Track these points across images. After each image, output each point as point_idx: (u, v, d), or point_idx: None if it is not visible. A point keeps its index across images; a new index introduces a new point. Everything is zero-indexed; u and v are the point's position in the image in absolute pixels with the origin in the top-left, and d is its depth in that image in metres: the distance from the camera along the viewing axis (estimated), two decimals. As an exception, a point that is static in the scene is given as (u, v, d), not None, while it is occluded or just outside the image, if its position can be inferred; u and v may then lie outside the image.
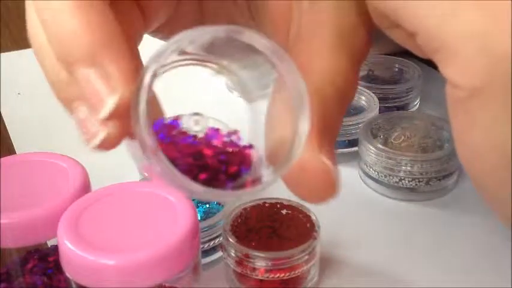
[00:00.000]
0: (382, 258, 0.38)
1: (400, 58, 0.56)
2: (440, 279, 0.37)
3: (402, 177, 0.43)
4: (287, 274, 0.34)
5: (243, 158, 0.23)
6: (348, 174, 0.47)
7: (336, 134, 0.24)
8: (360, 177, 0.46)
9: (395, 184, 0.43)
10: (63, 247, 0.26)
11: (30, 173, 0.32)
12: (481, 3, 0.19)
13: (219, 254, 0.37)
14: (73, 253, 0.26)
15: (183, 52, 0.22)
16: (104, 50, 0.20)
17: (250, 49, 0.21)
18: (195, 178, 0.21)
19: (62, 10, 0.21)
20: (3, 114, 0.56)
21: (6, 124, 0.54)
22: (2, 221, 0.28)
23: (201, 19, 0.29)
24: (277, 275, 0.34)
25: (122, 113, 0.20)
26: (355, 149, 0.46)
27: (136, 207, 0.29)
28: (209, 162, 0.22)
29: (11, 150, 0.50)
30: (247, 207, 0.37)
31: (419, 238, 0.40)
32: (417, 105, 0.55)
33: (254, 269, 0.34)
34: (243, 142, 0.23)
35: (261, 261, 0.33)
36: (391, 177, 0.43)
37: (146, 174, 0.22)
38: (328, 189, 0.23)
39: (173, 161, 0.21)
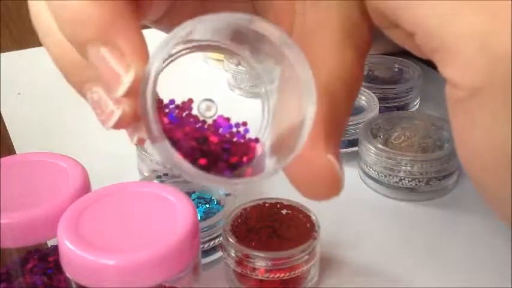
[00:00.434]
0: (382, 258, 0.38)
1: (400, 58, 0.56)
2: (440, 279, 0.37)
3: (402, 177, 0.43)
4: (287, 274, 0.34)
5: (247, 150, 0.23)
6: (348, 174, 0.46)
7: (341, 132, 0.24)
8: (360, 177, 0.46)
9: (395, 184, 0.43)
10: (63, 247, 0.26)
11: (30, 173, 0.32)
12: (480, 3, 0.19)
13: (219, 254, 0.37)
14: (73, 253, 0.26)
15: (192, 40, 0.22)
16: (116, 28, 0.20)
17: (259, 40, 0.21)
18: (194, 162, 0.21)
19: None
20: (3, 114, 0.56)
21: (6, 124, 0.54)
22: (2, 221, 0.28)
23: (201, 12, 0.29)
24: (277, 275, 0.34)
25: (136, 90, 0.20)
26: (355, 149, 0.46)
27: (136, 207, 0.29)
28: (212, 148, 0.22)
29: (11, 150, 0.50)
30: (247, 207, 0.37)
31: (419, 238, 0.40)
32: (417, 105, 0.55)
33: (254, 269, 0.34)
34: (250, 135, 0.23)
35: (261, 261, 0.33)
36: (391, 177, 0.43)
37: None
38: (331, 187, 0.23)
39: (177, 142, 0.21)
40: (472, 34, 0.19)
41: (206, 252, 0.37)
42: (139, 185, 0.31)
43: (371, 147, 0.43)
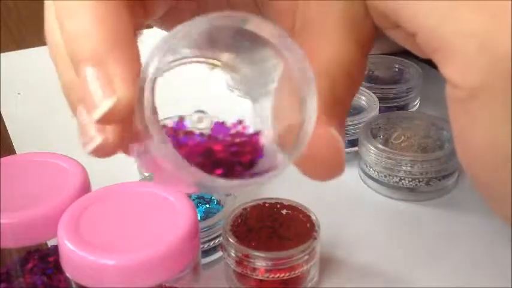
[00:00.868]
0: (382, 258, 0.38)
1: (400, 58, 0.56)
2: (440, 279, 0.37)
3: (402, 177, 0.43)
4: (287, 274, 0.34)
5: (254, 146, 0.23)
6: (348, 174, 0.47)
7: (345, 114, 0.24)
8: (360, 177, 0.46)
9: (395, 184, 0.43)
10: (63, 247, 0.26)
11: (30, 173, 0.32)
12: (480, 3, 0.19)
13: (219, 254, 0.37)
14: (73, 253, 0.26)
15: (182, 51, 0.22)
16: (111, 51, 0.20)
17: (257, 41, 0.21)
18: (210, 173, 0.21)
19: (78, 7, 0.21)
20: (3, 114, 0.56)
21: (6, 124, 0.54)
22: (2, 221, 0.28)
23: (203, 9, 0.29)
24: (277, 275, 0.34)
25: (121, 118, 0.20)
26: (355, 149, 0.46)
27: (136, 207, 0.29)
28: (221, 157, 0.22)
29: (11, 150, 0.50)
30: (247, 207, 0.37)
31: (419, 238, 0.40)
32: (417, 105, 0.55)
33: (254, 269, 0.34)
34: (250, 130, 0.23)
35: (261, 261, 0.33)
36: (391, 177, 0.43)
37: (157, 179, 0.22)
38: (335, 162, 0.23)
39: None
40: (472, 34, 0.19)
41: (206, 252, 0.37)
42: (139, 185, 0.31)
43: (371, 147, 0.43)
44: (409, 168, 0.42)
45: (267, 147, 0.23)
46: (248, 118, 0.24)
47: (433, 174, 0.42)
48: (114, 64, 0.20)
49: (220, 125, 0.23)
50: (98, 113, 0.20)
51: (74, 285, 0.27)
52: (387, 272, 0.37)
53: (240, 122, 0.23)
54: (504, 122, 0.20)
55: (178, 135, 0.23)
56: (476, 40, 0.19)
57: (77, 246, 0.26)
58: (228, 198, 0.38)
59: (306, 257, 0.34)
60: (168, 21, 0.28)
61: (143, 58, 0.21)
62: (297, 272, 0.34)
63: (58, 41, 0.22)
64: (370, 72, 0.56)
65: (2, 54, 0.66)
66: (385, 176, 0.43)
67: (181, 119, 0.23)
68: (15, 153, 0.49)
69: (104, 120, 0.20)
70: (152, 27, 0.29)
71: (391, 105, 0.52)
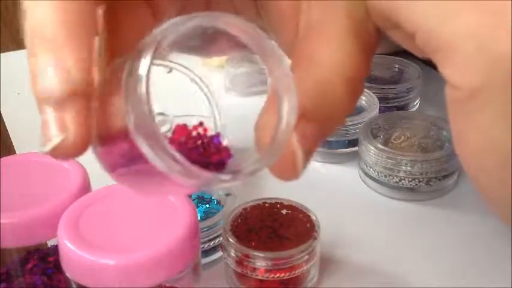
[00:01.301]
0: (382, 258, 0.38)
1: (400, 58, 0.56)
2: (440, 279, 0.37)
3: (402, 177, 0.43)
4: (287, 274, 0.34)
5: (217, 147, 0.23)
6: (348, 174, 0.47)
7: (334, 129, 0.24)
8: (360, 177, 0.46)
9: (395, 184, 0.43)
10: (63, 247, 0.26)
11: (30, 173, 0.32)
12: (480, 4, 0.19)
13: (219, 254, 0.37)
14: (73, 253, 0.26)
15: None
16: (65, 38, 0.20)
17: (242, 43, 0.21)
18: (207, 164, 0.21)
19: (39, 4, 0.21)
20: (3, 114, 0.56)
21: (6, 124, 0.54)
22: (2, 221, 0.28)
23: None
24: (277, 275, 0.34)
25: (81, 109, 0.20)
26: (355, 149, 0.46)
27: (136, 207, 0.29)
28: (191, 158, 0.22)
29: (11, 150, 0.50)
30: (247, 207, 0.37)
31: (419, 238, 0.40)
32: (417, 105, 0.55)
33: (254, 269, 0.34)
34: (211, 132, 0.23)
35: (261, 261, 0.33)
36: (391, 177, 0.43)
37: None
38: (289, 172, 0.23)
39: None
40: (472, 34, 0.19)
41: (206, 252, 0.37)
42: (139, 185, 0.31)
43: (371, 147, 0.43)
44: (409, 168, 0.42)
45: (239, 148, 0.23)
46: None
47: (433, 174, 0.42)
48: (68, 51, 0.20)
49: (181, 128, 0.23)
50: (52, 101, 0.20)
51: (74, 285, 0.27)
52: (387, 272, 0.37)
53: (200, 123, 0.23)
54: (504, 122, 0.20)
55: None
56: (475, 40, 0.19)
57: (77, 246, 0.26)
58: (228, 198, 0.38)
59: (306, 257, 0.34)
60: None
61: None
62: (297, 272, 0.34)
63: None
64: (370, 72, 0.56)
65: (2, 54, 0.66)
66: (385, 176, 0.43)
67: None
68: (15, 153, 0.49)
69: (64, 108, 0.20)
70: None
71: (391, 105, 0.52)
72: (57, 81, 0.20)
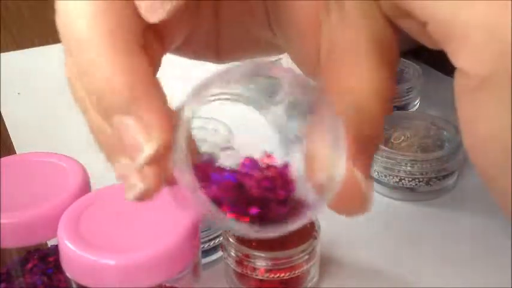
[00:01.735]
0: (382, 258, 0.38)
1: (400, 58, 0.56)
2: (441, 279, 0.37)
3: (402, 177, 0.43)
4: (287, 274, 0.34)
5: (285, 179, 0.23)
6: (348, 174, 0.47)
7: (373, 153, 0.24)
8: (360, 177, 0.46)
9: (395, 184, 0.43)
10: (64, 247, 0.26)
11: (30, 173, 0.32)
12: None
13: (219, 254, 0.37)
14: (73, 253, 0.26)
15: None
16: (141, 99, 0.20)
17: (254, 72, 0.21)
18: (245, 213, 0.21)
19: (98, 59, 0.21)
20: (3, 114, 0.56)
21: (6, 124, 0.54)
22: (2, 221, 0.28)
23: (217, 34, 0.29)
24: (277, 275, 0.34)
25: (159, 161, 0.20)
26: (355, 149, 0.46)
27: (136, 207, 0.29)
28: (254, 193, 0.22)
29: (11, 150, 0.50)
30: (247, 207, 0.37)
31: (419, 238, 0.40)
32: (417, 105, 0.55)
33: (254, 269, 0.34)
34: (278, 162, 0.23)
35: (261, 261, 0.33)
36: (391, 177, 0.43)
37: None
38: (359, 205, 0.23)
39: (218, 201, 0.21)
40: (484, 23, 0.19)
41: (206, 252, 0.37)
42: (139, 185, 0.31)
43: (371, 147, 0.43)
44: (409, 168, 0.42)
45: (296, 180, 0.23)
46: (271, 145, 0.24)
47: (433, 174, 0.42)
48: (145, 111, 0.20)
49: (249, 160, 0.23)
50: (142, 157, 0.20)
51: (74, 285, 0.27)
52: (387, 272, 0.37)
53: (268, 155, 0.23)
54: None
55: (208, 171, 0.22)
56: (487, 29, 0.19)
57: (77, 246, 0.26)
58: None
59: (306, 257, 0.34)
60: (183, 50, 0.28)
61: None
62: (297, 272, 0.34)
63: (82, 94, 0.22)
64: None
65: (2, 54, 0.66)
66: (385, 176, 0.43)
67: (209, 155, 0.23)
68: (15, 153, 0.49)
69: (148, 164, 0.20)
70: None
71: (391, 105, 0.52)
72: (142, 141, 0.20)
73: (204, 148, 0.23)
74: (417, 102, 0.55)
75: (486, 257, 0.38)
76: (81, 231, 0.27)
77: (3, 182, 0.30)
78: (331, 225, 0.38)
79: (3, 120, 0.55)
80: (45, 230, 0.29)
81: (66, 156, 0.33)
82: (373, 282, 0.37)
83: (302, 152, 0.23)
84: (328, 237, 0.38)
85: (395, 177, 0.43)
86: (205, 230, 0.36)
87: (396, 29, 0.24)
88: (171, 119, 0.21)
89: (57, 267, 0.31)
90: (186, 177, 0.19)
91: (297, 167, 0.23)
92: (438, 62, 0.55)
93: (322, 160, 0.22)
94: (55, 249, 0.28)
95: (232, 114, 0.24)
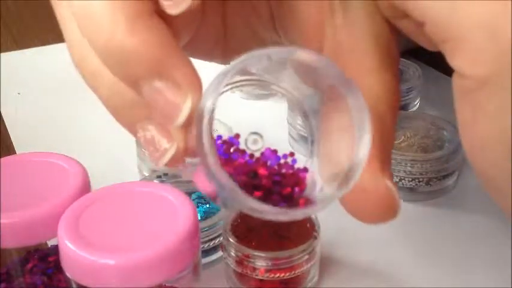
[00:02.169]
0: (382, 258, 0.38)
1: (400, 58, 0.56)
2: (440, 279, 0.37)
3: (402, 177, 0.43)
4: (287, 274, 0.34)
5: (298, 180, 0.23)
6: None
7: (391, 156, 0.24)
8: (360, 177, 0.46)
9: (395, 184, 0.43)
10: (64, 247, 0.26)
11: (30, 173, 0.32)
12: None
13: (219, 254, 0.37)
14: (73, 253, 0.26)
15: (245, 72, 0.22)
16: (169, 61, 0.20)
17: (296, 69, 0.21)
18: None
19: (117, 32, 0.20)
20: (3, 114, 0.56)
21: (6, 124, 0.54)
22: (2, 221, 0.28)
23: (224, 35, 0.29)
24: (277, 275, 0.34)
25: (189, 123, 0.21)
26: (355, 149, 0.46)
27: (136, 207, 0.29)
28: (263, 182, 0.22)
29: (11, 150, 0.50)
30: (247, 207, 0.37)
31: (419, 238, 0.40)
32: (417, 105, 0.55)
33: (254, 269, 0.34)
34: (299, 165, 0.24)
35: (261, 261, 0.33)
36: (391, 177, 0.43)
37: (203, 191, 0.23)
38: (390, 211, 0.23)
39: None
40: (482, 23, 0.19)
41: (206, 252, 0.37)
42: (139, 185, 0.31)
43: (371, 147, 0.43)
44: (409, 168, 0.42)
45: (309, 185, 0.23)
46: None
47: (433, 174, 0.42)
48: (176, 72, 0.20)
49: (271, 152, 0.24)
50: (182, 117, 0.20)
51: (74, 285, 0.27)
52: (387, 272, 0.37)
53: (291, 154, 0.24)
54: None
55: (229, 149, 0.23)
56: (486, 29, 0.19)
57: (77, 246, 0.26)
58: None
59: (306, 257, 0.34)
60: (189, 49, 0.27)
61: None
62: (297, 272, 0.34)
63: (96, 68, 0.22)
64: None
65: (2, 54, 0.66)
66: (385, 176, 0.43)
67: (237, 136, 0.23)
68: (15, 153, 0.49)
69: (185, 124, 0.20)
70: None
71: (391, 105, 0.52)
72: (179, 101, 0.21)
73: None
74: (417, 102, 0.55)
75: (486, 257, 0.38)
76: (81, 231, 0.27)
77: (3, 182, 0.30)
78: (331, 225, 0.38)
79: (3, 120, 0.55)
80: (45, 230, 0.29)
81: (66, 156, 0.33)
82: (373, 282, 0.37)
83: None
84: (328, 237, 0.38)
85: (395, 177, 0.43)
86: (205, 230, 0.36)
87: (395, 30, 0.24)
88: (199, 78, 0.21)
89: (57, 267, 0.31)
90: (206, 147, 0.19)
91: (316, 172, 0.23)
92: (438, 62, 0.55)
93: (341, 145, 0.22)
94: (55, 249, 0.28)
95: (233, 115, 0.24)
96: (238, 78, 0.23)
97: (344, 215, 0.44)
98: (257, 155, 0.23)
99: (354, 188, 0.21)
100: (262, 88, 0.25)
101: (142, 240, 0.26)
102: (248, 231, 0.36)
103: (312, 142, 0.25)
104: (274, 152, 0.24)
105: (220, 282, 0.36)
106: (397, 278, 0.37)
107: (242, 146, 0.24)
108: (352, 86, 0.20)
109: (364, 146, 0.21)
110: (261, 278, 0.34)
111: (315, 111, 0.24)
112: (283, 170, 0.23)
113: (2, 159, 0.32)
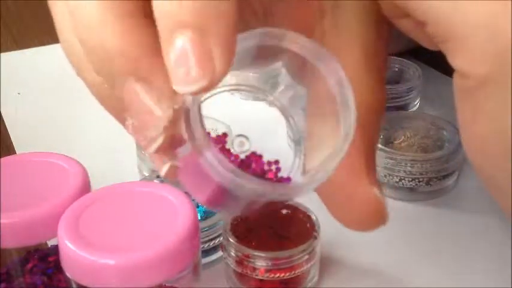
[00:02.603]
0: (382, 258, 0.38)
1: (400, 58, 0.56)
2: (440, 279, 0.37)
3: (402, 177, 0.43)
4: (287, 274, 0.34)
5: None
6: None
7: (375, 158, 0.24)
8: (360, 177, 0.46)
9: (395, 184, 0.43)
10: (64, 247, 0.26)
11: (30, 173, 0.32)
12: None
13: (219, 254, 0.37)
14: (73, 253, 0.26)
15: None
16: (148, 64, 0.20)
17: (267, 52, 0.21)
18: None
19: (105, 31, 0.20)
20: (3, 114, 0.56)
21: (6, 124, 0.54)
22: (2, 221, 0.28)
23: None
24: (277, 275, 0.34)
25: (174, 119, 0.20)
26: (355, 149, 0.46)
27: (136, 207, 0.29)
28: (254, 170, 0.22)
29: (11, 150, 0.50)
30: (247, 207, 0.37)
31: (419, 238, 0.40)
32: (417, 105, 0.55)
33: (254, 269, 0.34)
34: (282, 174, 0.24)
35: (261, 261, 0.33)
36: (391, 177, 0.43)
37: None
38: (378, 218, 0.23)
39: None
40: (483, 23, 0.19)
41: (206, 252, 0.37)
42: (139, 185, 0.31)
43: (371, 147, 0.43)
44: (409, 168, 0.42)
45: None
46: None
47: (433, 174, 0.42)
48: (153, 76, 0.20)
49: (256, 157, 0.23)
50: (157, 129, 0.20)
51: (74, 285, 0.27)
52: (387, 272, 0.37)
53: (276, 162, 0.24)
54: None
55: (217, 146, 0.23)
56: (486, 29, 0.19)
57: (77, 246, 0.26)
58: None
59: (306, 256, 0.34)
60: None
61: None
62: (297, 272, 0.34)
63: (81, 56, 0.22)
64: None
65: (2, 54, 0.66)
66: (385, 176, 0.43)
67: (224, 135, 0.23)
68: (15, 153, 0.49)
69: (174, 119, 0.20)
70: None
71: (391, 105, 0.52)
72: (153, 107, 0.20)
73: None
74: (417, 102, 0.55)
75: (486, 257, 0.38)
76: (81, 231, 0.27)
77: (3, 182, 0.30)
78: (331, 225, 0.38)
79: (3, 120, 0.55)
80: (45, 230, 0.29)
81: (66, 156, 0.33)
82: (373, 282, 0.37)
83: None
84: (328, 237, 0.38)
85: (395, 177, 0.43)
86: (205, 230, 0.36)
87: (386, 34, 0.24)
88: None
89: (57, 267, 0.31)
90: (198, 132, 0.19)
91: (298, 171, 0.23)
92: (438, 62, 0.55)
93: (326, 132, 0.22)
94: (55, 249, 0.28)
95: (231, 114, 0.24)
96: (234, 81, 0.23)
97: (344, 215, 0.44)
98: (242, 157, 0.23)
99: (340, 196, 0.21)
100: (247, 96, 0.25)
101: (142, 240, 0.26)
102: (248, 231, 0.36)
103: (299, 141, 0.24)
104: (260, 157, 0.23)
105: (220, 282, 0.36)
106: (397, 278, 0.37)
107: (229, 147, 0.23)
108: (334, 62, 0.20)
109: (349, 119, 0.20)
110: (261, 278, 0.34)
111: (303, 110, 0.24)
112: (267, 177, 0.23)
113: (2, 159, 0.32)
